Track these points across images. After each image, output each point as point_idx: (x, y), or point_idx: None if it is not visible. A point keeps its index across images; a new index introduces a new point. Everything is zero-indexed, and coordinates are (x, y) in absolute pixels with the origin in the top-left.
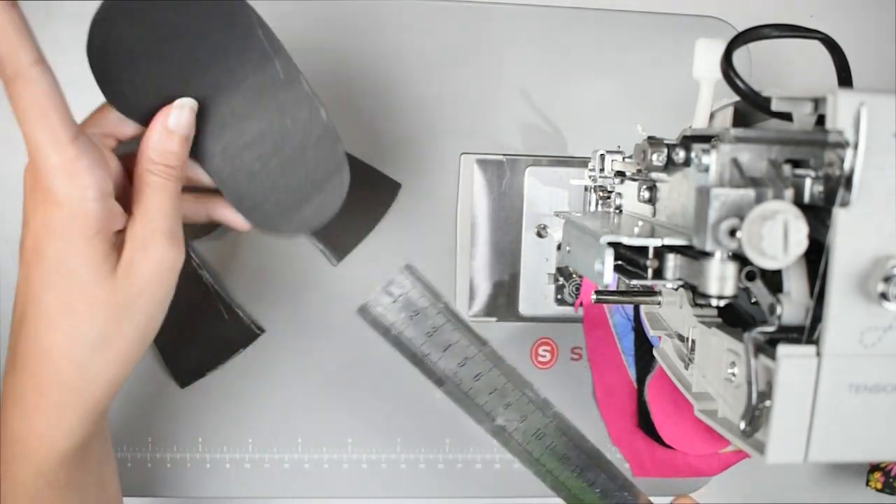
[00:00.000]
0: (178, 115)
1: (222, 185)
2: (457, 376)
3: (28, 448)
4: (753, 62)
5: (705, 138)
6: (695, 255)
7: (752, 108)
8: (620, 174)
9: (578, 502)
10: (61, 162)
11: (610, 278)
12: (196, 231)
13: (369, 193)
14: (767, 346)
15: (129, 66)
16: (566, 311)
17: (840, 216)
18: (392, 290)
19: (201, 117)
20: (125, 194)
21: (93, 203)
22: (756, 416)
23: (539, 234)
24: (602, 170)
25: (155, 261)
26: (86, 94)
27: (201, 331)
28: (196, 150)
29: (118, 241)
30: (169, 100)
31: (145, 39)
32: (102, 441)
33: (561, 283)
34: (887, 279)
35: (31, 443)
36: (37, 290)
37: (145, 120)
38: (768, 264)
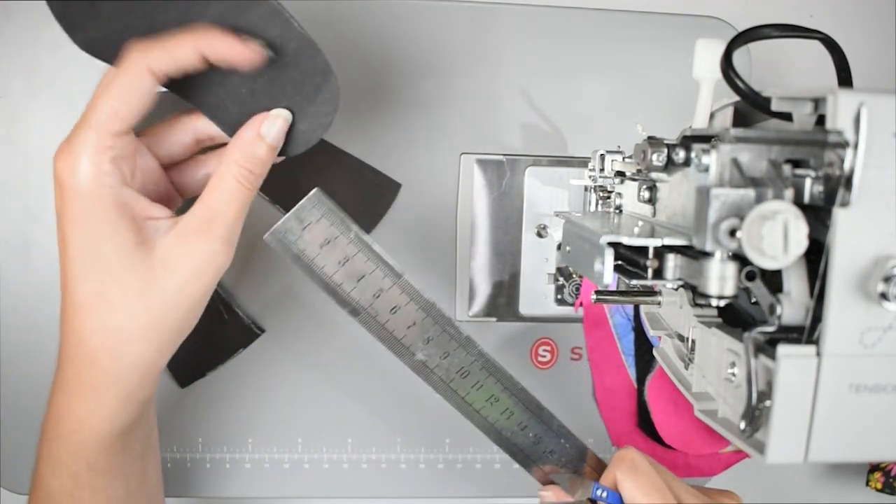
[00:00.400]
0: (270, 124)
1: (213, 117)
2: (372, 308)
3: (68, 428)
4: (753, 62)
5: (705, 138)
6: (695, 255)
7: (752, 108)
8: (620, 174)
9: (510, 445)
10: (93, 145)
11: (610, 278)
12: None
13: (369, 193)
14: (767, 346)
15: (90, 7)
16: (566, 311)
17: (840, 216)
18: (302, 217)
19: None
20: (165, 193)
21: (108, 189)
22: (756, 416)
23: (539, 234)
24: (602, 170)
25: (199, 257)
26: (86, 94)
27: (201, 331)
28: (180, 88)
29: (159, 231)
30: (138, 36)
31: None
32: (146, 431)
33: (561, 283)
34: (887, 279)
35: (72, 424)
36: (69, 277)
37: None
38: (768, 264)
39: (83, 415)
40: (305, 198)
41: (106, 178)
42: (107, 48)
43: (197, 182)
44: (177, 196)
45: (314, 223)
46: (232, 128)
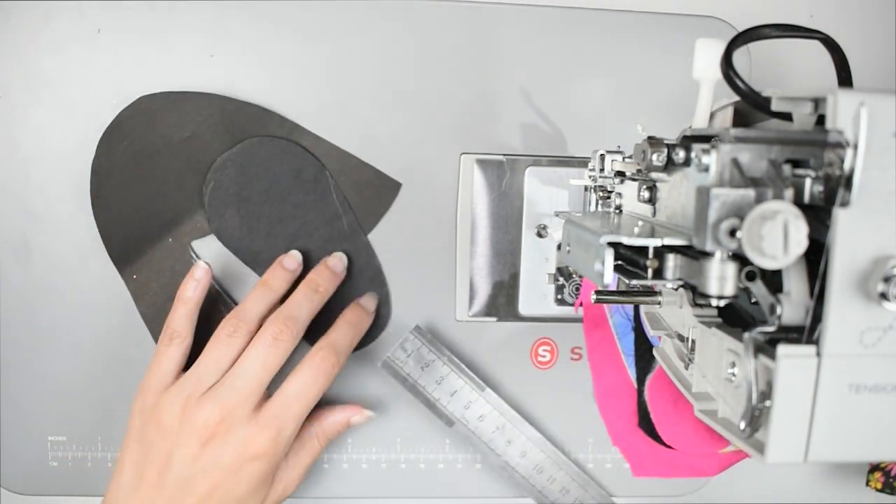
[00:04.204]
0: (358, 416)
1: None
2: (464, 417)
3: None
4: (753, 62)
5: (705, 138)
6: (695, 255)
7: (752, 108)
8: (620, 174)
9: None
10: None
11: (610, 278)
12: (194, 233)
13: (369, 193)
14: (767, 346)
15: (231, 205)
16: (566, 311)
17: (840, 216)
18: (406, 347)
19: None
20: None
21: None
22: (756, 416)
23: (539, 234)
24: (602, 170)
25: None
26: (85, 94)
27: (205, 329)
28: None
29: None
30: (258, 239)
31: (247, 187)
32: None
33: (561, 283)
34: (887, 279)
35: None
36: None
37: (242, 256)
38: (768, 264)
39: None
40: (409, 332)
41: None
42: (231, 239)
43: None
44: None
45: (416, 351)
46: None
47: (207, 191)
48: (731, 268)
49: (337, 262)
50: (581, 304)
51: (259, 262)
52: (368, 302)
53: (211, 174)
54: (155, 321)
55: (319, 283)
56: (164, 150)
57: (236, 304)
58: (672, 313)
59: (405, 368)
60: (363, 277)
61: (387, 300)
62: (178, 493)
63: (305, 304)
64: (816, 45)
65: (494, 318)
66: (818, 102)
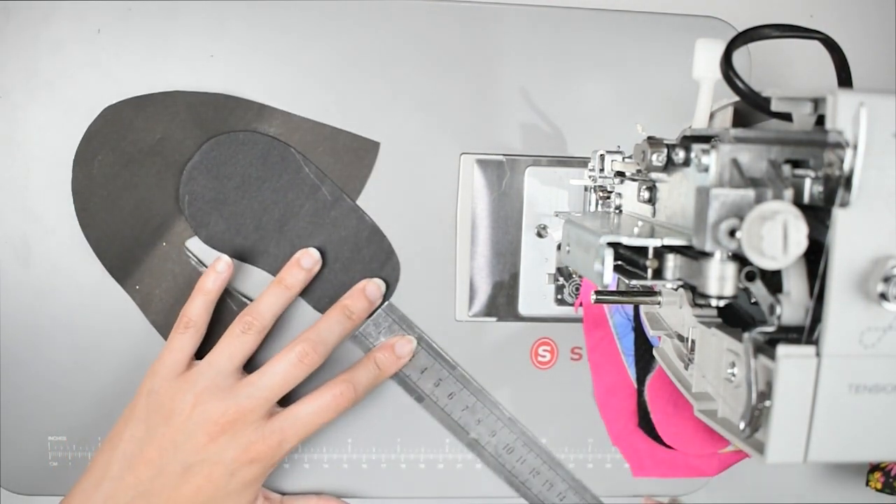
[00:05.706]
0: None
1: (303, 296)
2: (433, 394)
3: None
4: (753, 62)
5: (705, 138)
6: (695, 255)
7: (752, 108)
8: (620, 174)
9: None
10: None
11: (610, 278)
12: (186, 233)
13: (350, 157)
14: (767, 346)
15: (213, 211)
16: (566, 311)
17: (840, 216)
18: (379, 322)
19: (275, 243)
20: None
21: None
22: (756, 416)
23: (539, 234)
24: (602, 170)
25: None
26: (86, 93)
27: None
28: (277, 269)
29: None
30: (249, 234)
31: (221, 190)
32: None
33: (561, 283)
34: (887, 279)
35: None
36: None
37: (232, 253)
38: (768, 264)
39: None
40: (380, 308)
41: None
42: (223, 242)
43: None
44: None
45: (386, 328)
46: (312, 298)
47: (185, 205)
48: (731, 268)
49: (374, 289)
50: (581, 304)
51: (256, 256)
52: (403, 348)
53: (183, 187)
54: (166, 327)
55: (354, 310)
56: (139, 156)
57: (242, 296)
58: (672, 313)
59: (375, 344)
60: (360, 238)
61: (391, 254)
62: (178, 477)
63: (336, 328)
64: (816, 45)
65: (494, 318)
66: (818, 102)
